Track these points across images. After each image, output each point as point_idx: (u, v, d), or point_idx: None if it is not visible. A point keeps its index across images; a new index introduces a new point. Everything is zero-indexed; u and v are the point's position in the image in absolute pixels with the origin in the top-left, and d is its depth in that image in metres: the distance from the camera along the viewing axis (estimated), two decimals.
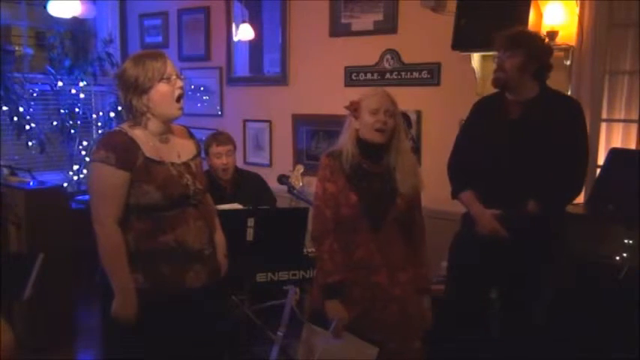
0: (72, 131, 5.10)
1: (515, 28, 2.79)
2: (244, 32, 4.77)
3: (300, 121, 4.73)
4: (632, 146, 3.37)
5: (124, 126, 2.19)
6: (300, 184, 4.24)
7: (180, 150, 2.25)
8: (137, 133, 2.15)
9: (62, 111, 5.06)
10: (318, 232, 2.37)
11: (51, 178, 4.65)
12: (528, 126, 2.64)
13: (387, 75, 4.22)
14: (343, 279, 2.29)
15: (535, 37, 2.77)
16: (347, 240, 2.33)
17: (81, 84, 5.11)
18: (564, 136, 2.62)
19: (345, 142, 2.37)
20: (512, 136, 2.64)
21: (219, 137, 3.59)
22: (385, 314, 2.30)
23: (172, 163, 2.19)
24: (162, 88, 2.13)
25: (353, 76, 4.40)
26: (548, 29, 3.39)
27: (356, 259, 2.32)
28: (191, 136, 2.37)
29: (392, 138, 2.34)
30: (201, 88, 5.25)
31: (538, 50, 2.69)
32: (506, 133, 2.66)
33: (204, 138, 3.65)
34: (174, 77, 2.16)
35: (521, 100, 2.70)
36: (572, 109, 2.71)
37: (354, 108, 2.34)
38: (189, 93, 5.27)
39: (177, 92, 2.17)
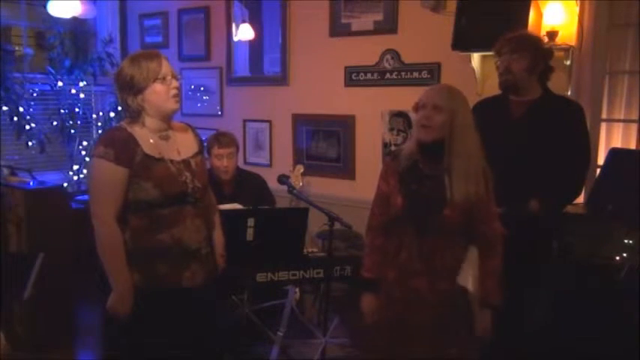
0: (72, 131, 5.09)
1: (518, 31, 2.84)
2: (244, 32, 4.77)
3: (300, 121, 4.73)
4: (632, 146, 3.37)
5: (124, 123, 2.20)
6: (300, 184, 4.25)
7: (181, 147, 2.25)
8: (137, 130, 2.16)
9: (62, 111, 5.05)
10: (367, 226, 2.38)
11: (51, 178, 4.64)
12: (532, 126, 2.68)
13: (387, 75, 4.23)
14: (375, 278, 2.29)
15: (538, 40, 2.84)
16: (396, 239, 2.30)
17: (81, 84, 5.10)
18: (566, 137, 2.66)
19: (409, 141, 2.32)
20: (515, 136, 2.66)
21: (222, 139, 3.57)
22: (419, 319, 2.24)
23: (172, 161, 2.18)
24: (157, 87, 2.14)
25: (353, 76, 4.40)
26: (548, 29, 3.39)
27: (400, 261, 2.27)
28: (193, 132, 2.37)
29: (446, 137, 2.14)
30: (202, 88, 5.25)
31: (542, 52, 2.75)
32: (510, 133, 2.67)
33: (204, 138, 3.65)
34: (169, 77, 2.16)
35: (524, 100, 2.74)
36: (574, 111, 2.76)
37: (415, 107, 2.25)
38: (190, 93, 5.28)
39: (172, 92, 2.17)
